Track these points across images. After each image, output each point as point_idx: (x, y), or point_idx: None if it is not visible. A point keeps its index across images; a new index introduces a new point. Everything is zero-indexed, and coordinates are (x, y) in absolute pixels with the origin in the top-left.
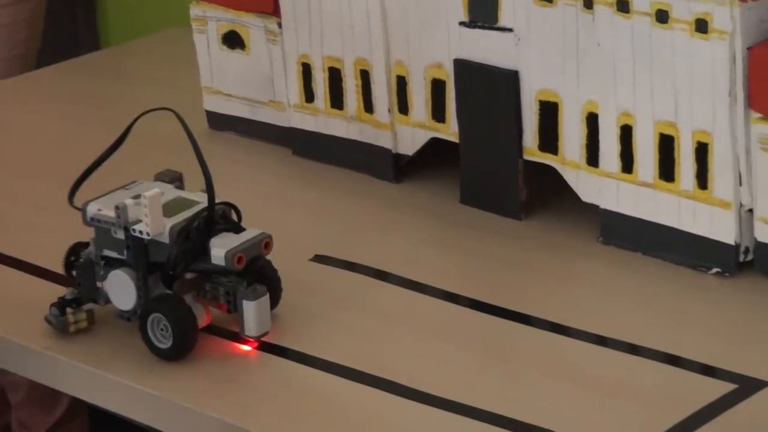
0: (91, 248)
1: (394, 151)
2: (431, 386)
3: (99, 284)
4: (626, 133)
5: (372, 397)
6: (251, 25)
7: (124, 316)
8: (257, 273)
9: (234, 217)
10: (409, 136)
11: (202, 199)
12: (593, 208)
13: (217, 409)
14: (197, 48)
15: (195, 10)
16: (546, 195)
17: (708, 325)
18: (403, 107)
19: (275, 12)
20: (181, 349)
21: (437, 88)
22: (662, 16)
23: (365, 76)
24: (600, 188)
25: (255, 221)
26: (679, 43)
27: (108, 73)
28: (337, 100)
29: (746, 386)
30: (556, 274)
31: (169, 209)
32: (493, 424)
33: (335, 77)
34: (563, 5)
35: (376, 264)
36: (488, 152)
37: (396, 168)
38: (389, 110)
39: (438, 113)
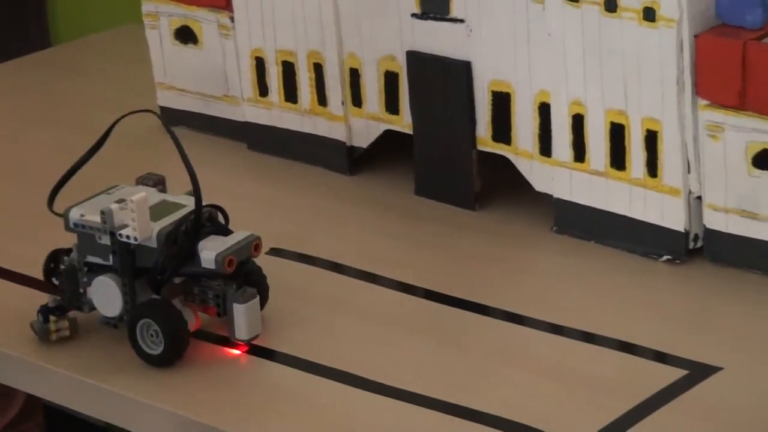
0: (74, 254)
1: (348, 144)
2: (388, 377)
3: (82, 291)
4: (578, 123)
5: (331, 390)
6: (203, 20)
7: (111, 322)
8: (245, 276)
9: (221, 219)
10: (363, 129)
11: (188, 202)
12: (547, 198)
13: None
14: (150, 43)
15: (147, 6)
16: (500, 185)
17: (660, 312)
18: (357, 100)
19: (227, 6)
20: (173, 354)
21: (390, 80)
22: (611, 5)
23: (318, 70)
24: (553, 178)
25: None
26: (628, 32)
27: (61, 70)
28: (290, 93)
29: (697, 372)
30: (511, 263)
31: (155, 213)
32: (450, 414)
33: (289, 71)
34: None
35: (332, 256)
36: (442, 143)
37: (350, 160)
38: (343, 103)
39: (391, 105)
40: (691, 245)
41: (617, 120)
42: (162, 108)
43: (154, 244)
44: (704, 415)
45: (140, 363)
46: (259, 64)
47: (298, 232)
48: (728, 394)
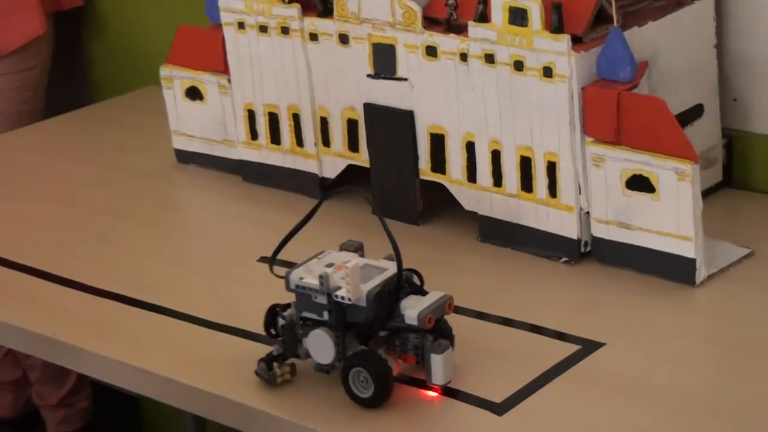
0: (292, 310)
1: (320, 176)
2: None
3: (300, 341)
4: (496, 156)
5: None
6: (207, 82)
7: (324, 369)
8: (439, 329)
9: (416, 280)
10: (331, 164)
11: (387, 266)
12: (473, 215)
13: None
14: (166, 100)
15: (163, 71)
16: (437, 205)
17: (559, 301)
18: (326, 141)
19: (226, 71)
20: (381, 397)
21: (352, 125)
22: (519, 66)
23: (296, 118)
24: (478, 199)
25: (215, 233)
26: (532, 86)
27: (99, 122)
28: (275, 137)
29: (587, 347)
30: (447, 265)
31: (361, 276)
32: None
33: (273, 120)
34: (445, 59)
35: None
36: (392, 174)
37: (322, 188)
38: (315, 144)
39: (353, 145)
40: (583, 249)
41: (525, 154)
42: (176, 150)
43: (363, 303)
44: (592, 380)
45: (351, 404)
46: (251, 115)
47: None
48: (610, 364)
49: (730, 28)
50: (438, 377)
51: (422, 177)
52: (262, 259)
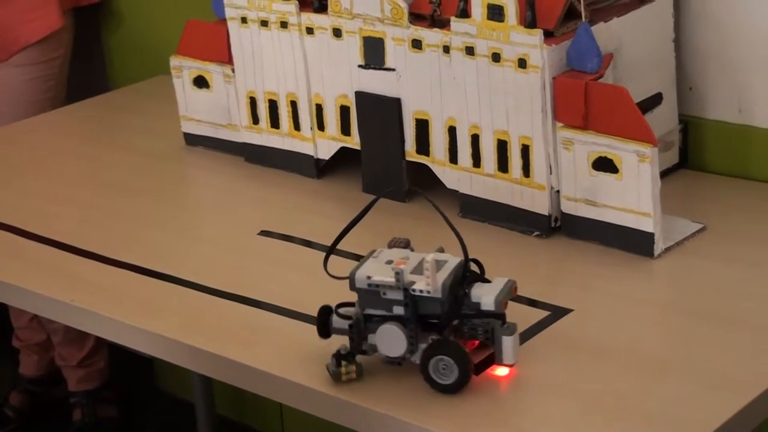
0: (357, 309)
1: (315, 157)
2: None
3: (365, 338)
4: (475, 140)
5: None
6: (213, 71)
7: (395, 361)
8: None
9: (475, 268)
10: (326, 146)
11: (446, 258)
12: (454, 193)
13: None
14: (175, 88)
15: (173, 62)
16: (422, 184)
17: (532, 272)
18: (321, 126)
19: (230, 61)
20: (464, 382)
21: (344, 111)
22: (496, 57)
23: (294, 105)
24: (459, 179)
25: (220, 208)
26: (508, 76)
27: (115, 108)
28: (274, 122)
29: (556, 312)
30: (431, 239)
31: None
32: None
33: (273, 106)
34: (429, 51)
35: (305, 236)
36: (381, 156)
37: (317, 168)
38: (311, 128)
39: (345, 129)
40: (553, 224)
41: (502, 138)
42: (185, 133)
43: (439, 294)
44: (560, 342)
45: (422, 394)
46: (252, 102)
47: (281, 220)
48: (577, 328)
49: (687, 24)
50: (509, 357)
51: (408, 158)
52: (263, 233)
